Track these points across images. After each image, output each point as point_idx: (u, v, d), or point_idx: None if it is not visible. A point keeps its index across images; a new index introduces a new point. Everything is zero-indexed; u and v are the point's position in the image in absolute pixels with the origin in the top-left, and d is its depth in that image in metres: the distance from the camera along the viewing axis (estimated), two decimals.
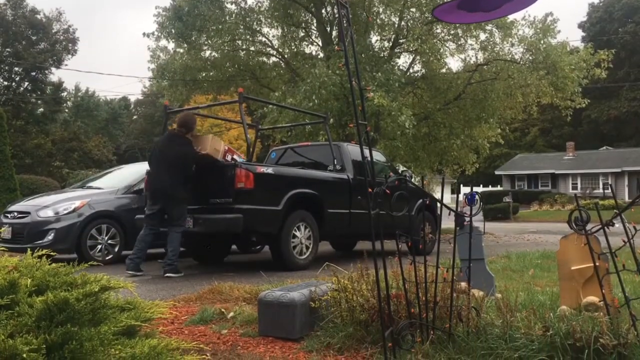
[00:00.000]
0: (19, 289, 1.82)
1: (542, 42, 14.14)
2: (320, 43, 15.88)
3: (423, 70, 16.05)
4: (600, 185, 37.62)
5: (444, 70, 15.96)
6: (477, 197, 2.97)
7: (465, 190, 33.64)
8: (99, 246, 7.40)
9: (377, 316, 2.75)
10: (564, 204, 31.54)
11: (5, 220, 7.66)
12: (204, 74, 16.40)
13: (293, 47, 16.31)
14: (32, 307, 1.74)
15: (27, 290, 1.84)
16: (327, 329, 3.06)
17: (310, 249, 6.80)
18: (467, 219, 2.79)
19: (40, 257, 2.13)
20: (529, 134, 51.97)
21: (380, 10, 14.77)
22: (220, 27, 14.66)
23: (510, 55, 14.68)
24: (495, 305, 2.79)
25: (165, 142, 6.32)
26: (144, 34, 16.07)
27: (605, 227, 2.60)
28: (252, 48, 16.37)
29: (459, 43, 15.22)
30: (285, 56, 16.23)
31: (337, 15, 12.00)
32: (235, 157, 6.54)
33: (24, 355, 1.56)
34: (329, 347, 2.90)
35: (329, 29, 15.40)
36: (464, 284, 2.84)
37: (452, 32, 14.81)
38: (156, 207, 6.23)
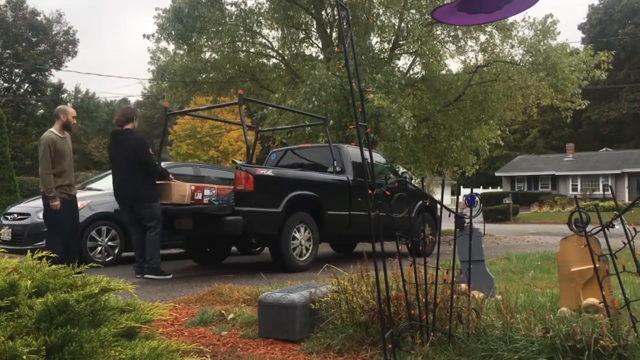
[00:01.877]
0: (19, 290, 1.82)
1: (542, 43, 14.15)
2: (320, 45, 15.89)
3: (423, 72, 16.06)
4: (600, 187, 37.61)
5: (444, 72, 15.98)
6: (477, 198, 2.97)
7: (465, 191, 33.69)
8: (99, 248, 7.40)
9: (377, 318, 2.75)
10: (564, 205, 31.52)
11: (5, 222, 7.65)
12: (204, 76, 16.41)
13: (293, 49, 16.32)
14: (32, 308, 1.74)
15: (27, 292, 1.84)
16: (327, 331, 3.06)
17: (310, 251, 6.80)
18: (467, 220, 2.79)
19: (40, 258, 2.13)
20: (529, 136, 51.99)
21: (380, 11, 14.78)
22: (220, 28, 14.67)
23: (510, 57, 14.69)
24: (495, 306, 2.79)
25: (113, 143, 6.15)
26: (144, 35, 16.11)
27: (605, 229, 2.60)
28: (252, 50, 16.38)
29: (459, 45, 15.24)
30: (285, 58, 16.24)
31: (337, 17, 12.02)
32: (205, 192, 6.36)
33: (24, 357, 1.56)
34: (329, 349, 2.90)
35: (329, 30, 15.41)
36: (464, 286, 2.84)
37: (452, 33, 14.82)
38: (126, 209, 6.12)
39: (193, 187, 6.25)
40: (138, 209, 5.95)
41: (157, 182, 6.16)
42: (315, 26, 15.90)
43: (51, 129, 5.88)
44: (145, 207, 5.92)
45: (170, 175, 6.28)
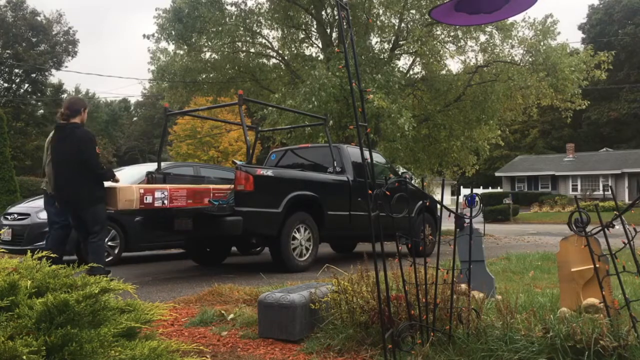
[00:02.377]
0: (19, 290, 1.82)
1: (542, 43, 14.15)
2: (320, 45, 15.89)
3: (423, 72, 16.06)
4: (600, 187, 37.63)
5: (444, 72, 15.98)
6: (477, 198, 2.97)
7: (465, 191, 33.69)
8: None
9: (377, 318, 2.75)
10: (564, 205, 31.52)
11: (5, 222, 7.66)
12: (204, 76, 16.41)
13: (293, 49, 16.32)
14: (32, 308, 1.74)
15: (27, 292, 1.84)
16: (327, 331, 3.06)
17: (310, 251, 6.80)
18: (467, 220, 2.79)
19: (40, 258, 2.13)
20: (529, 136, 51.99)
21: (380, 12, 14.78)
22: (220, 28, 14.67)
23: (510, 57, 14.70)
24: (495, 306, 2.79)
25: (56, 138, 5.42)
26: (144, 35, 16.09)
27: (605, 229, 2.60)
28: (252, 50, 16.39)
29: (459, 45, 15.24)
30: (285, 58, 16.25)
31: (337, 17, 12.01)
32: (156, 194, 5.68)
33: (24, 357, 1.56)
34: (329, 349, 2.90)
35: (329, 30, 15.42)
36: (464, 286, 2.84)
37: (452, 34, 14.82)
38: (72, 215, 5.40)
39: (142, 190, 5.59)
40: (80, 212, 5.26)
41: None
42: (315, 26, 15.90)
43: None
44: (87, 210, 5.21)
45: (117, 177, 5.58)
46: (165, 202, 5.80)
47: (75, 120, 5.33)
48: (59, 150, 5.33)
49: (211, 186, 6.40)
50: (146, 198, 5.57)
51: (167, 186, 5.97)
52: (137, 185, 5.75)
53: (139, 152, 51.80)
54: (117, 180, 5.53)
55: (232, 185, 6.31)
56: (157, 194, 5.70)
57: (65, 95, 42.79)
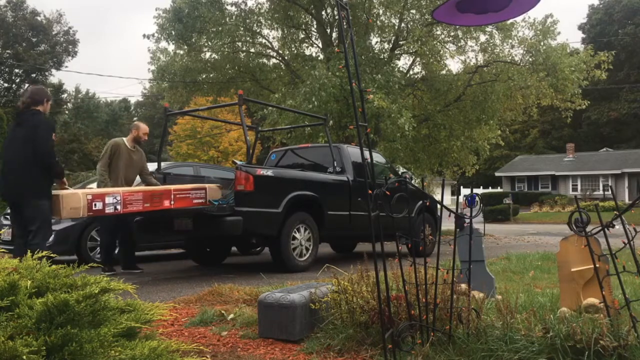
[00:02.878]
0: (19, 290, 1.82)
1: (542, 43, 14.16)
2: (320, 45, 15.89)
3: (423, 72, 16.07)
4: (600, 187, 37.64)
5: (444, 72, 15.98)
6: (477, 198, 2.97)
7: (465, 191, 33.69)
8: (99, 248, 7.38)
9: (377, 318, 2.74)
10: (564, 205, 31.53)
11: (5, 222, 7.65)
12: (204, 76, 16.42)
13: (293, 49, 16.33)
14: (32, 308, 1.74)
15: (27, 292, 1.84)
16: (327, 331, 3.06)
17: (310, 251, 6.80)
18: (467, 220, 2.79)
19: (40, 258, 2.13)
20: (529, 136, 52.00)
21: (381, 12, 14.79)
22: (220, 28, 14.67)
23: (510, 57, 14.70)
24: (495, 306, 2.79)
25: (13, 125, 5.10)
26: (144, 35, 16.09)
27: (606, 229, 2.61)
28: (252, 50, 16.39)
29: (459, 45, 15.24)
30: (285, 58, 16.25)
31: (337, 17, 12.01)
32: (106, 199, 5.26)
33: (24, 357, 1.56)
34: (329, 349, 2.90)
35: (329, 30, 15.42)
36: (464, 286, 2.84)
37: (452, 33, 14.83)
38: (11, 207, 4.98)
39: (89, 197, 5.10)
40: (23, 206, 4.78)
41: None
42: (315, 26, 15.90)
43: (123, 137, 6.67)
44: (29, 203, 4.73)
45: (64, 180, 5.20)
46: (118, 207, 5.39)
47: (37, 108, 4.97)
48: (12, 134, 4.95)
49: (172, 187, 6.04)
50: (95, 205, 5.16)
51: (120, 190, 5.57)
52: (83, 190, 5.37)
53: None
54: (64, 183, 5.18)
55: (199, 184, 6.37)
56: (108, 200, 5.28)
57: (65, 96, 42.82)
